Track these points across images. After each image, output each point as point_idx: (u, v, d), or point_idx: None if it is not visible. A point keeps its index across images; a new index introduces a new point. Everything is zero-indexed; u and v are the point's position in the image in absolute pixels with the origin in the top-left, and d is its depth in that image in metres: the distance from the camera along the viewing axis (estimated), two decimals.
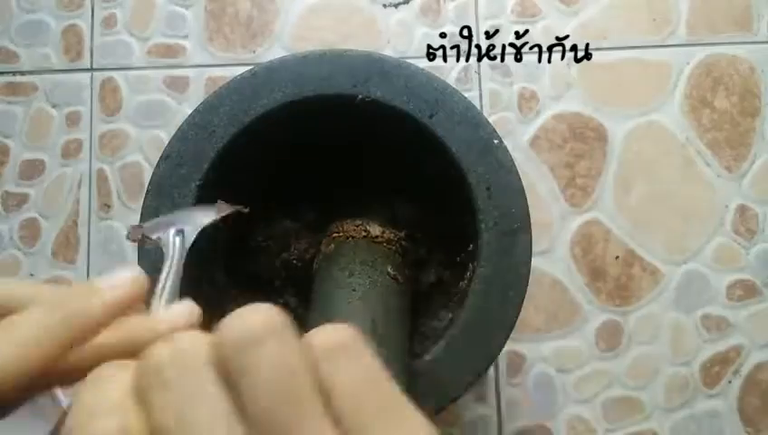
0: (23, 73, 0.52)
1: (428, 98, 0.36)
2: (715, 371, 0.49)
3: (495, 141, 0.36)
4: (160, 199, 0.35)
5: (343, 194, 0.42)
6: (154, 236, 0.26)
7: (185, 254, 0.25)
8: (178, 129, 0.36)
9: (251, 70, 0.37)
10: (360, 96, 0.36)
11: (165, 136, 0.51)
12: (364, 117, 0.37)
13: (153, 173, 0.36)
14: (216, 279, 0.39)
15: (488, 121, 0.36)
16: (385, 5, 0.53)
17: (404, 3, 0.53)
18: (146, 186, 0.35)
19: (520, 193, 0.36)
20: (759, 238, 0.51)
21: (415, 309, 0.40)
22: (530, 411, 0.48)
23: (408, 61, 0.37)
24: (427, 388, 0.33)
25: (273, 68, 0.37)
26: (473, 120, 0.36)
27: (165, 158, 0.36)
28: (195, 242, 0.26)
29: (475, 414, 0.48)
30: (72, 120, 0.51)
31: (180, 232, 0.26)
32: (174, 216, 0.28)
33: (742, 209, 0.51)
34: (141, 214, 0.35)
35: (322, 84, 0.36)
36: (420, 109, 0.36)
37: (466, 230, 0.36)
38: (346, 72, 0.36)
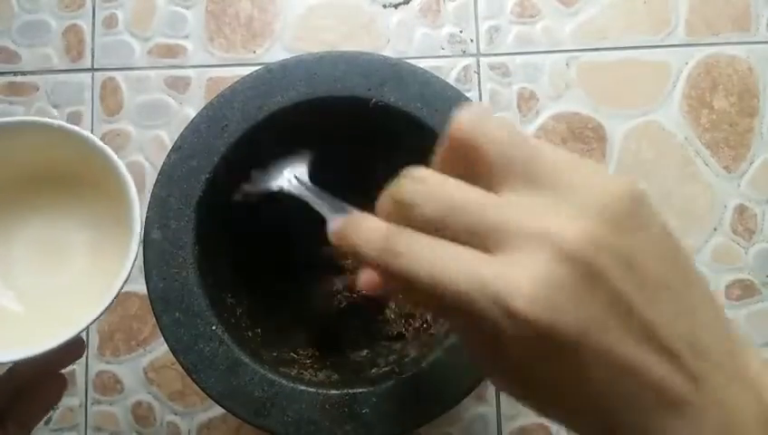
0: (24, 74, 0.52)
1: (442, 107, 0.36)
2: None
3: None
4: (169, 189, 0.35)
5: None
6: (257, 190, 0.29)
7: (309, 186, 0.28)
8: (191, 120, 0.36)
9: (267, 66, 0.37)
10: (374, 100, 0.36)
11: (166, 136, 0.51)
12: (377, 121, 0.37)
13: (164, 163, 0.36)
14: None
15: None
16: (385, 5, 0.53)
17: (404, 3, 0.53)
18: (147, 185, 0.35)
19: None
20: (758, 238, 0.51)
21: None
22: (530, 410, 0.48)
23: (408, 61, 0.37)
24: (430, 393, 0.33)
25: (289, 66, 0.37)
26: None
27: (176, 148, 0.36)
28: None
29: (474, 413, 0.48)
30: (73, 120, 0.51)
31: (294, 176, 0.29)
32: (269, 172, 0.30)
33: (740, 209, 0.51)
34: (149, 203, 0.35)
35: (337, 86, 0.36)
36: (433, 117, 0.36)
37: None
38: (361, 75, 0.36)
